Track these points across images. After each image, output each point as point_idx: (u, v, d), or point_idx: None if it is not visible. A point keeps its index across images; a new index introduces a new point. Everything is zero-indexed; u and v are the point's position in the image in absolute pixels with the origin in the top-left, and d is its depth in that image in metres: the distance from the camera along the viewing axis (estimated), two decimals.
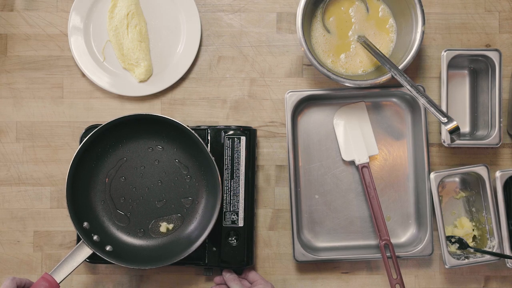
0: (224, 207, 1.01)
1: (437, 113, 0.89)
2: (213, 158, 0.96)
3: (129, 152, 1.02)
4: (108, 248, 0.98)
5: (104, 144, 1.00)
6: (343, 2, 1.05)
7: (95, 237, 0.98)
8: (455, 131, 0.87)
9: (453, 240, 1.05)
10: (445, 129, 0.89)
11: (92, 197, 1.01)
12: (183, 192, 1.02)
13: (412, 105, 1.06)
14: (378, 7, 1.05)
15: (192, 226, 1.02)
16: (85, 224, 0.98)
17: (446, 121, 0.88)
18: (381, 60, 0.98)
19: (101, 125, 0.96)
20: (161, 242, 1.02)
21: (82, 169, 0.99)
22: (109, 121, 0.96)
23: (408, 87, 0.93)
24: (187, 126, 0.97)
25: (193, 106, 1.08)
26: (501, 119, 1.01)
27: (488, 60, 1.02)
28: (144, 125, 0.99)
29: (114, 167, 1.01)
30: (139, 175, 1.02)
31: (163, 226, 1.01)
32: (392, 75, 0.96)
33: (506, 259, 1.01)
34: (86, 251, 0.95)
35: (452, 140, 0.96)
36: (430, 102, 0.90)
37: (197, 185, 1.02)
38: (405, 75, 0.94)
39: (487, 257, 1.01)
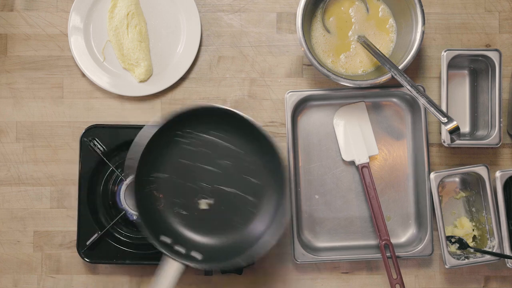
0: None
1: (437, 113, 0.89)
2: (280, 155, 0.91)
3: (193, 149, 0.96)
4: (197, 256, 0.92)
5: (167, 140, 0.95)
6: (343, 2, 1.05)
7: (179, 249, 0.92)
8: (455, 131, 0.87)
9: (453, 240, 1.05)
10: (445, 129, 0.88)
11: (163, 206, 0.96)
12: (249, 186, 0.96)
13: (412, 105, 1.06)
14: (378, 7, 1.05)
15: (254, 224, 0.96)
16: (165, 238, 0.92)
17: (446, 121, 0.88)
18: (381, 60, 0.98)
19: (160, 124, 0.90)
20: (225, 240, 0.96)
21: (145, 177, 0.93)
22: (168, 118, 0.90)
23: (408, 87, 0.93)
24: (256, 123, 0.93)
25: None
26: (501, 119, 1.01)
27: (488, 60, 1.02)
28: (201, 118, 0.94)
29: (176, 169, 0.96)
30: (203, 169, 0.96)
31: (203, 203, 0.96)
32: (392, 75, 0.96)
33: (506, 259, 1.01)
34: (174, 266, 0.88)
35: (452, 140, 0.96)
36: (430, 102, 0.90)
37: (263, 180, 0.96)
38: (405, 75, 0.94)
39: (487, 257, 1.01)
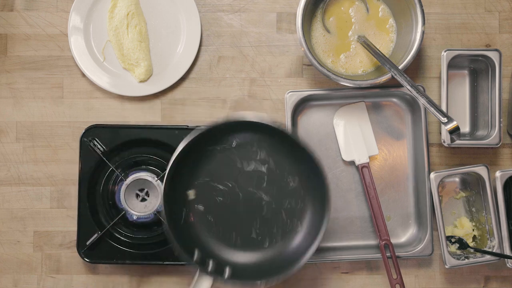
0: None
1: (437, 113, 0.89)
2: (321, 165, 0.90)
3: (225, 162, 0.95)
4: (227, 271, 0.92)
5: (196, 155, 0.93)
6: (343, 2, 1.05)
7: (210, 263, 0.91)
8: (455, 131, 0.87)
9: (453, 240, 1.05)
10: (445, 129, 0.88)
11: (193, 219, 0.95)
12: (287, 201, 0.96)
13: (412, 105, 1.06)
14: (378, 7, 1.05)
15: (300, 237, 0.96)
16: (197, 252, 0.92)
17: (446, 121, 0.88)
18: (381, 60, 0.98)
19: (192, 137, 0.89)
20: (271, 253, 0.95)
21: (177, 186, 0.92)
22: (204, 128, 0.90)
23: (408, 87, 0.93)
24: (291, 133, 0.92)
25: (193, 106, 1.08)
26: (501, 119, 1.01)
27: (488, 60, 1.02)
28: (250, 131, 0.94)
29: (204, 181, 0.95)
30: (237, 185, 0.96)
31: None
32: (392, 75, 0.96)
33: (506, 259, 1.01)
34: (206, 281, 0.89)
35: (452, 140, 0.96)
36: (430, 102, 0.90)
37: (302, 194, 0.96)
38: (405, 75, 0.94)
39: (487, 257, 1.01)
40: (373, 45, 1.01)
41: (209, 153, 0.95)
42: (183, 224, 0.94)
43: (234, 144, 0.95)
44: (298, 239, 0.96)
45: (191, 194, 0.95)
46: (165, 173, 0.89)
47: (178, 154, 0.89)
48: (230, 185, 0.95)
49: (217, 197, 0.96)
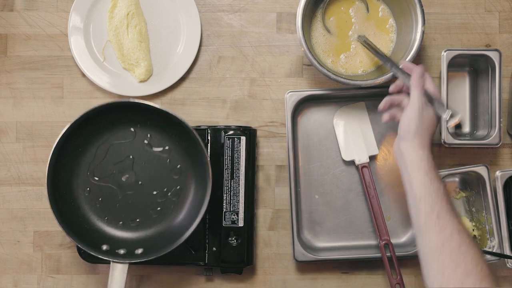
0: (224, 207, 1.01)
1: (440, 108, 0.89)
2: (200, 139, 0.94)
3: (111, 143, 1.00)
4: (139, 251, 0.96)
5: (82, 139, 0.98)
6: (343, 2, 1.05)
7: (121, 251, 0.96)
8: (459, 127, 0.88)
9: None
10: (448, 123, 0.89)
11: (87, 207, 1.00)
12: (171, 181, 1.00)
13: None
14: (378, 7, 1.05)
15: (181, 216, 1.00)
16: (105, 247, 0.96)
17: (449, 117, 0.88)
18: (382, 59, 0.98)
19: (75, 120, 0.93)
20: (154, 232, 1.00)
21: (62, 171, 0.97)
22: (82, 113, 0.94)
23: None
24: (167, 110, 0.95)
25: (193, 106, 1.08)
26: (501, 119, 1.01)
27: (488, 60, 1.02)
28: (123, 113, 0.98)
29: (95, 161, 0.99)
30: (123, 166, 1.00)
31: None
32: (393, 74, 0.96)
33: (506, 259, 1.01)
34: (122, 268, 0.93)
35: (458, 134, 0.95)
36: (431, 99, 0.90)
37: (185, 172, 1.00)
38: (406, 73, 0.94)
39: (487, 257, 1.01)
40: (373, 44, 1.01)
41: (90, 143, 0.99)
42: (80, 222, 0.98)
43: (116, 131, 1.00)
44: (182, 216, 1.00)
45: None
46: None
47: (56, 145, 0.93)
48: (114, 171, 0.99)
49: (107, 184, 0.99)
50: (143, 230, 1.00)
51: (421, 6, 0.98)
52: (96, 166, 0.99)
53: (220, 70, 1.08)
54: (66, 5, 1.08)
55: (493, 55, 1.01)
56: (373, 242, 1.06)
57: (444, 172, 1.02)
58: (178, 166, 1.00)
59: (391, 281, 1.00)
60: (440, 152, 1.07)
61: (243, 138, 1.02)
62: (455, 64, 1.04)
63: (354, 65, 1.04)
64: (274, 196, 1.07)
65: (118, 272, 0.93)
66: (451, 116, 0.88)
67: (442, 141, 1.02)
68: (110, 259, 0.93)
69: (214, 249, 1.01)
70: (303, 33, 0.99)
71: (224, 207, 1.01)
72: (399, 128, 0.91)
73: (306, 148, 1.07)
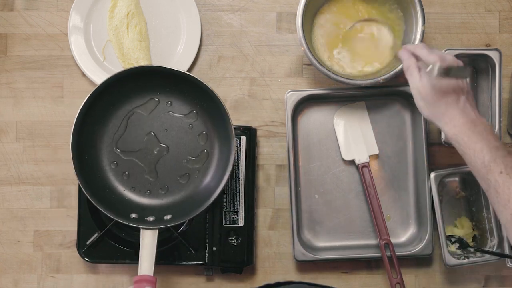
0: (224, 206, 1.01)
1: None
2: (222, 103, 0.93)
3: (133, 112, 0.99)
4: (167, 217, 0.95)
5: (103, 110, 0.97)
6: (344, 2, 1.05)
7: (150, 218, 0.95)
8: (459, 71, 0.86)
9: (453, 239, 1.05)
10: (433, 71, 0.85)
11: (114, 180, 0.99)
12: (196, 147, 0.99)
13: (412, 105, 1.06)
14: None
15: (208, 179, 0.99)
16: (134, 215, 0.95)
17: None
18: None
19: (95, 89, 0.92)
20: (181, 198, 0.99)
21: (85, 140, 0.96)
22: (102, 82, 0.93)
23: None
24: (191, 74, 0.95)
25: None
26: (501, 119, 1.01)
27: (488, 59, 1.02)
28: (144, 80, 0.97)
29: (118, 133, 0.98)
30: (148, 135, 0.99)
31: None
32: (395, 73, 0.96)
33: (506, 259, 1.01)
34: (152, 234, 0.92)
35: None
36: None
37: (210, 136, 0.99)
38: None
39: (487, 256, 1.01)
40: None
41: (112, 113, 0.99)
42: (107, 193, 0.97)
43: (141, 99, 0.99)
44: (208, 179, 0.98)
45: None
46: None
47: (82, 109, 0.92)
48: (139, 141, 0.98)
49: (133, 156, 0.99)
50: (171, 196, 0.99)
51: (421, 5, 0.98)
52: (120, 137, 0.98)
53: (220, 69, 1.08)
54: (66, 5, 1.08)
55: (493, 55, 1.01)
56: (373, 241, 1.06)
57: (444, 172, 1.02)
58: (203, 132, 0.99)
59: (391, 280, 1.00)
60: (440, 152, 1.07)
61: (243, 138, 1.02)
62: None
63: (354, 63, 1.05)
64: (274, 195, 1.07)
65: (148, 239, 0.91)
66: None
67: (442, 141, 1.02)
68: (140, 226, 0.91)
69: (214, 248, 1.01)
70: (303, 33, 0.99)
71: (224, 206, 1.01)
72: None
73: (306, 147, 1.07)
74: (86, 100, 0.92)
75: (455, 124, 0.84)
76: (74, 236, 1.05)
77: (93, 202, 0.92)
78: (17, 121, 1.08)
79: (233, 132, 0.93)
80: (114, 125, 0.98)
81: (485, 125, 0.84)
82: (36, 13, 1.08)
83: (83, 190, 0.92)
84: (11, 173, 1.07)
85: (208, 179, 0.99)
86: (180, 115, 0.99)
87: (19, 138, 1.08)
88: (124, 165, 0.99)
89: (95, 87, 0.93)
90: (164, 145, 0.99)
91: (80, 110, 0.92)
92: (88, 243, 1.01)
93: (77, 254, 1.03)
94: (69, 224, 1.07)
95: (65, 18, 1.08)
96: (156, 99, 0.99)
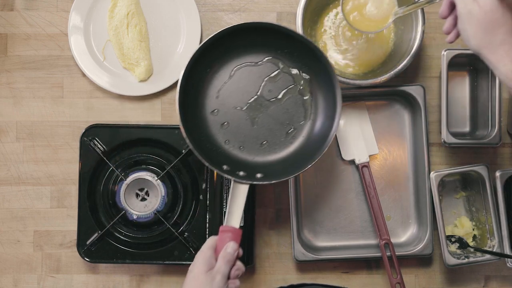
0: (224, 206, 1.01)
1: None
2: (330, 64, 0.92)
3: (240, 66, 0.98)
4: (258, 175, 0.94)
5: (212, 60, 0.97)
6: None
7: (241, 173, 0.93)
8: None
9: (453, 239, 1.05)
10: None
11: (214, 132, 0.98)
12: (298, 109, 0.98)
13: (412, 105, 1.06)
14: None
15: (304, 146, 0.98)
16: (225, 167, 0.94)
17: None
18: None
19: (210, 37, 0.92)
20: (274, 159, 0.98)
21: (193, 92, 0.96)
22: (217, 31, 0.92)
23: None
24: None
25: None
26: (501, 119, 1.01)
27: None
28: (256, 36, 0.95)
29: (223, 84, 0.98)
30: (251, 90, 0.98)
31: None
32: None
33: (506, 259, 1.01)
34: (242, 189, 0.90)
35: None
36: None
37: (314, 99, 0.98)
38: None
39: (487, 256, 1.01)
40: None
41: (220, 65, 0.98)
42: (203, 141, 0.96)
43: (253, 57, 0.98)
44: (318, 126, 0.97)
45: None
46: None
47: (190, 61, 0.91)
48: (241, 95, 0.98)
49: (235, 107, 0.98)
50: (265, 155, 0.98)
51: None
52: (224, 89, 0.98)
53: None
54: (66, 5, 1.08)
55: None
56: (373, 241, 1.06)
57: (444, 172, 1.02)
58: (307, 97, 0.98)
59: (391, 280, 1.00)
60: (440, 152, 1.07)
61: None
62: (455, 64, 1.04)
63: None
64: (274, 195, 1.07)
65: (238, 192, 0.90)
66: None
67: (442, 141, 1.02)
68: (232, 178, 0.90)
69: None
70: (303, 33, 0.99)
71: (224, 206, 1.01)
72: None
73: None
74: (201, 46, 0.91)
75: None
76: (74, 236, 1.05)
77: (190, 145, 0.90)
78: (17, 121, 1.08)
79: (340, 99, 0.91)
80: (220, 76, 0.98)
81: None
82: (36, 13, 1.08)
83: (184, 133, 0.90)
84: (11, 173, 1.07)
85: (304, 146, 0.98)
86: (287, 73, 0.98)
87: (19, 138, 1.08)
88: (224, 116, 0.98)
89: (213, 34, 0.92)
90: (267, 100, 0.98)
91: (194, 55, 0.91)
92: (88, 243, 1.02)
93: (77, 254, 1.03)
94: (69, 224, 1.07)
95: (65, 18, 1.08)
96: (267, 57, 0.98)
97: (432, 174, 1.02)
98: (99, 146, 1.03)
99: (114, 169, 1.02)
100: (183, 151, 1.02)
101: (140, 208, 1.02)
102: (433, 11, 1.08)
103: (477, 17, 0.72)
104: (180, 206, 1.03)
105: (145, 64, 1.05)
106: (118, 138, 1.04)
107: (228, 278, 0.83)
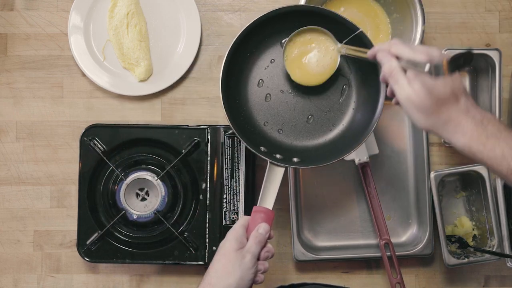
0: (225, 206, 1.01)
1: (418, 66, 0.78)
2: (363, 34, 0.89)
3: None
4: (295, 159, 0.93)
5: (255, 43, 0.95)
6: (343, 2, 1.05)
7: (277, 156, 0.92)
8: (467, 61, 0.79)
9: (453, 239, 1.05)
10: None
11: (254, 113, 0.97)
12: (337, 96, 0.97)
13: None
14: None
15: (343, 135, 0.96)
16: (263, 148, 0.93)
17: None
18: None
19: (255, 20, 0.89)
20: (311, 145, 0.97)
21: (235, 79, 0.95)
22: (262, 14, 0.90)
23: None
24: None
25: (193, 105, 1.08)
26: (501, 118, 1.01)
27: (488, 59, 1.02)
28: (300, 21, 0.93)
29: (265, 68, 0.97)
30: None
31: None
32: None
33: (506, 259, 1.01)
34: (278, 171, 0.88)
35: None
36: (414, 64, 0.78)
37: (356, 88, 0.96)
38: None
39: (487, 256, 1.01)
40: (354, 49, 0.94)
41: (262, 49, 0.97)
42: (241, 121, 0.95)
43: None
44: (358, 117, 0.96)
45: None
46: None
47: (237, 39, 0.90)
48: (283, 79, 0.96)
49: (280, 89, 0.97)
50: (302, 140, 0.96)
51: (421, 5, 0.98)
52: (265, 71, 0.96)
53: (220, 69, 1.08)
54: (66, 5, 1.08)
55: (493, 55, 1.01)
56: (373, 241, 1.06)
57: (444, 172, 1.02)
58: (351, 87, 0.97)
59: (391, 280, 1.00)
60: (440, 152, 1.07)
61: None
62: None
63: None
64: None
65: (274, 175, 0.88)
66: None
67: (442, 141, 1.02)
68: (269, 160, 0.89)
69: (214, 248, 1.01)
70: None
71: (224, 206, 1.01)
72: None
73: None
74: (246, 28, 0.90)
75: (464, 131, 0.71)
76: (74, 236, 1.05)
77: (231, 125, 0.89)
78: (17, 121, 1.08)
79: (383, 90, 0.88)
80: (262, 60, 0.96)
81: (493, 121, 0.72)
82: (36, 13, 1.08)
83: (224, 110, 0.89)
84: (11, 173, 1.07)
85: (342, 135, 0.96)
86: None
87: (19, 138, 1.08)
88: (264, 96, 0.97)
89: (254, 19, 0.90)
90: (311, 87, 0.96)
91: (239, 35, 0.90)
92: (88, 242, 1.02)
93: (77, 254, 1.03)
94: (69, 224, 1.07)
95: (65, 18, 1.08)
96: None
97: (432, 174, 1.02)
98: (99, 146, 1.03)
99: (114, 169, 1.02)
100: (183, 151, 1.02)
101: (140, 208, 1.02)
102: (433, 11, 1.08)
103: (415, 103, 0.73)
104: (180, 206, 1.03)
105: (145, 64, 1.05)
106: (118, 138, 1.04)
107: (258, 259, 0.82)
